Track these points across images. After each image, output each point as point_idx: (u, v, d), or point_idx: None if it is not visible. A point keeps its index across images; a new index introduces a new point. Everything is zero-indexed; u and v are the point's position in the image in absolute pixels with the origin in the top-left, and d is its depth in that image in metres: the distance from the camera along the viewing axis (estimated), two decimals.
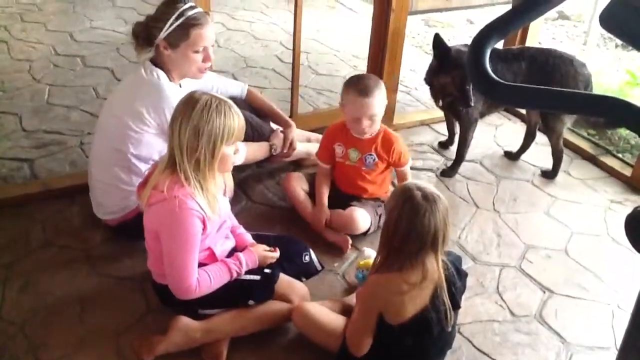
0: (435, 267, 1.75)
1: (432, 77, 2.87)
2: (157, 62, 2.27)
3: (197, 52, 2.22)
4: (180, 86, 2.37)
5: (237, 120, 1.82)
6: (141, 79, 2.26)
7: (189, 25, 2.17)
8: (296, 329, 2.05)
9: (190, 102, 1.77)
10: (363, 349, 1.83)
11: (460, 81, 2.72)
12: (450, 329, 1.85)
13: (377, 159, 2.55)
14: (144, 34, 2.22)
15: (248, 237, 2.16)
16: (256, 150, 2.64)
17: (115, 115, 2.27)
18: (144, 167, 2.24)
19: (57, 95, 3.56)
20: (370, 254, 2.33)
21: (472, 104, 2.75)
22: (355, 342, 1.84)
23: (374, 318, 1.79)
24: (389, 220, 1.76)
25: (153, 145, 2.26)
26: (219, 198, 1.89)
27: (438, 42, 2.74)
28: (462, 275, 1.93)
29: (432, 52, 2.84)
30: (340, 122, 2.60)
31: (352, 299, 2.12)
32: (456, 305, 1.86)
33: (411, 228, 1.69)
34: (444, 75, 2.78)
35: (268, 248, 2.09)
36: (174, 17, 2.16)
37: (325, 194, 2.58)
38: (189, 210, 1.77)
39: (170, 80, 2.27)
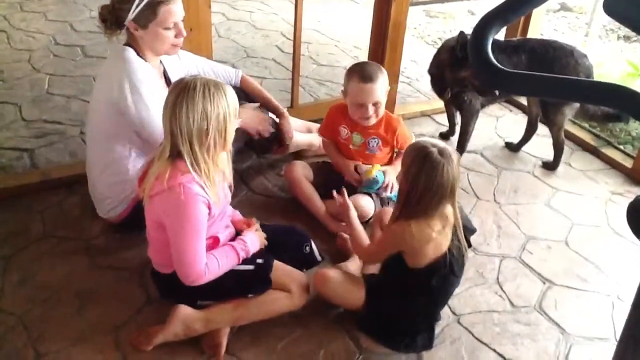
0: (452, 213, 1.90)
1: (449, 70, 2.85)
2: (128, 42, 2.25)
3: (167, 29, 2.18)
4: (163, 65, 2.36)
5: (234, 95, 1.81)
6: (109, 64, 2.27)
7: (156, 3, 2.12)
8: (302, 305, 2.06)
9: (186, 88, 1.72)
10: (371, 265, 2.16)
11: None
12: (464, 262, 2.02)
13: (380, 142, 2.55)
14: (112, 17, 2.19)
15: (238, 215, 2.18)
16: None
17: (94, 108, 2.28)
18: (135, 154, 2.25)
19: (57, 85, 3.55)
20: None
21: (497, 93, 2.81)
22: (366, 261, 2.20)
23: (389, 254, 1.97)
24: (408, 177, 1.84)
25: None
26: (219, 183, 1.88)
27: (463, 38, 2.74)
28: (470, 229, 2.13)
29: (436, 44, 2.82)
30: (343, 104, 2.58)
31: (347, 266, 2.26)
32: (469, 245, 2.05)
33: (432, 182, 1.80)
34: (466, 68, 2.76)
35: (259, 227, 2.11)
36: None
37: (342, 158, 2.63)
38: (194, 195, 1.75)
39: (140, 57, 2.23)
